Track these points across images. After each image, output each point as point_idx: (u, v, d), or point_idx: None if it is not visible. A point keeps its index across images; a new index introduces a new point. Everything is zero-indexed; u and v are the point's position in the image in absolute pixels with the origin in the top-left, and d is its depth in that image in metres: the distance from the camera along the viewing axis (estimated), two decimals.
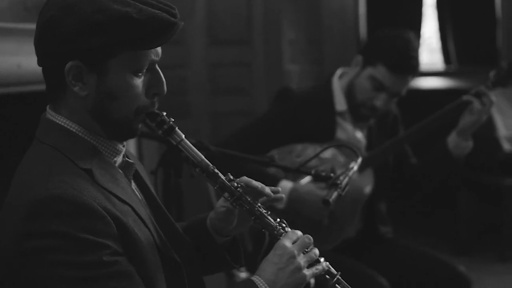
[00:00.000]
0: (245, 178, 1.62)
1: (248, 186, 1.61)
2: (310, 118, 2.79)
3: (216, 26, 5.39)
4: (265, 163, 2.12)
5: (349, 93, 2.79)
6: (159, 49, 1.55)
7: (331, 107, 2.81)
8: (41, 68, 1.55)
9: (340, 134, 2.82)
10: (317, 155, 2.04)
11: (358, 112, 2.79)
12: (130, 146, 3.51)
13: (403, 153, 2.92)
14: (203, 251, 1.73)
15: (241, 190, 1.60)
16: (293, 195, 2.59)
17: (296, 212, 2.58)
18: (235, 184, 1.60)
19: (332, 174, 1.95)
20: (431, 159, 2.82)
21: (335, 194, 1.88)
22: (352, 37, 5.76)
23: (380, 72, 2.70)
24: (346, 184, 1.91)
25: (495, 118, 4.55)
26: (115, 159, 1.59)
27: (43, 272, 1.36)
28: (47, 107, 1.58)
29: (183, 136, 1.59)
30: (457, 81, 5.24)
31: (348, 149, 2.33)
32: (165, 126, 1.57)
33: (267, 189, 1.62)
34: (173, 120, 1.58)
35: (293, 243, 1.57)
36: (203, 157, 1.60)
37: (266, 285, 1.53)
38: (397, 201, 3.08)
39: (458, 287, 2.69)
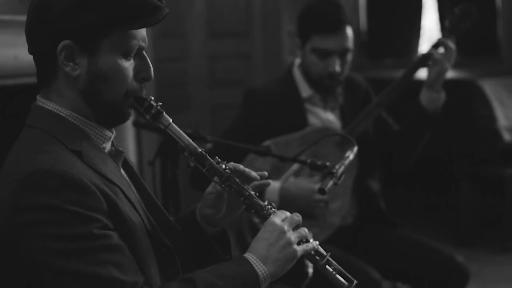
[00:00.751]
0: (232, 162, 1.63)
1: (235, 171, 1.63)
2: (280, 111, 2.81)
3: (215, 18, 5.39)
4: (261, 152, 2.11)
5: (307, 75, 2.83)
6: (146, 36, 1.58)
7: (297, 95, 2.85)
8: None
9: (312, 121, 2.83)
10: (311, 145, 2.03)
11: (323, 87, 2.82)
12: (129, 138, 3.51)
13: (383, 123, 2.92)
14: (193, 243, 1.73)
15: (229, 172, 1.61)
16: (283, 193, 2.60)
17: (296, 208, 2.54)
18: (223, 166, 1.61)
19: (328, 163, 1.94)
20: (410, 120, 2.83)
21: (330, 183, 1.86)
22: (353, 28, 5.74)
23: (316, 41, 2.75)
24: (342, 173, 1.90)
25: (495, 109, 4.53)
26: (104, 145, 1.60)
27: (33, 245, 1.37)
28: (37, 96, 1.59)
29: (171, 120, 1.61)
30: (458, 72, 5.21)
31: (344, 138, 2.33)
32: (153, 111, 1.58)
33: (254, 173, 1.64)
34: (160, 104, 1.59)
35: (282, 221, 1.58)
36: (190, 140, 1.62)
37: (258, 260, 1.54)
38: (399, 193, 3.07)
39: (456, 277, 2.67)
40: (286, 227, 1.57)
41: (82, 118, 1.56)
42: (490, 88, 4.60)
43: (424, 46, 6.43)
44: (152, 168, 2.41)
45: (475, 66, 5.76)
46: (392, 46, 6.37)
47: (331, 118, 2.88)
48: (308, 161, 1.99)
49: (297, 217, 1.61)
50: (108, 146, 1.62)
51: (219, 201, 1.69)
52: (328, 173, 1.88)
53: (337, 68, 2.75)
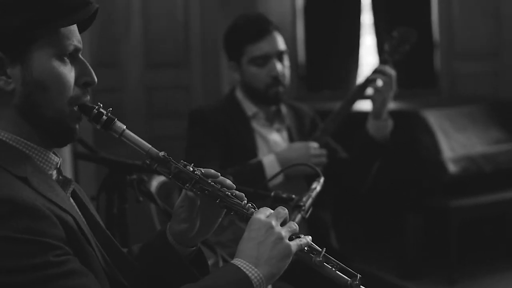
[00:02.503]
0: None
1: (207, 175, 1.47)
2: (228, 129, 2.75)
3: (153, 49, 5.27)
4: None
5: (251, 92, 2.79)
6: (79, 36, 1.43)
7: (243, 113, 2.80)
8: None
9: (259, 142, 2.77)
10: (277, 175, 1.91)
11: (270, 98, 2.77)
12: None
13: (331, 150, 2.86)
14: (166, 268, 1.54)
15: (199, 174, 1.45)
16: (282, 160, 2.57)
17: (294, 174, 2.57)
18: (191, 169, 1.45)
19: (293, 196, 1.81)
20: (358, 149, 2.80)
21: (298, 217, 1.73)
22: (292, 61, 5.70)
23: (251, 51, 2.74)
24: (310, 206, 1.77)
25: (439, 140, 4.51)
26: (50, 172, 1.42)
27: None
28: None
29: (124, 126, 1.43)
30: (399, 103, 5.20)
31: (310, 169, 2.25)
32: (103, 119, 1.41)
33: (229, 181, 1.49)
34: (111, 109, 1.43)
35: (267, 217, 1.42)
36: (150, 146, 1.45)
37: (249, 264, 1.36)
38: (344, 226, 2.97)
39: None
40: (273, 222, 1.40)
41: (25, 140, 1.37)
42: (433, 119, 4.58)
43: (361, 78, 6.44)
44: (97, 203, 2.21)
45: (414, 97, 5.79)
46: (330, 78, 6.36)
47: (277, 139, 2.82)
48: (272, 194, 1.85)
49: (283, 210, 1.44)
50: (54, 174, 1.44)
51: (191, 213, 1.51)
52: (295, 207, 1.75)
53: (279, 68, 2.73)
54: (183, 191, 1.52)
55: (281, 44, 2.76)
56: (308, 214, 1.75)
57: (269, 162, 2.59)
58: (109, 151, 2.33)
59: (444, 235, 4.65)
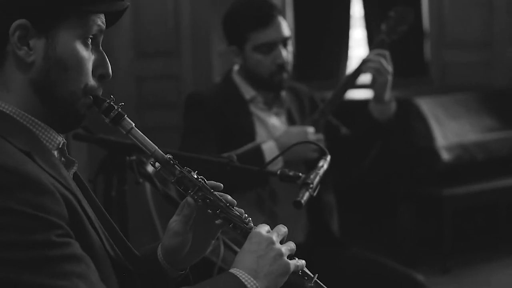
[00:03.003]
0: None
1: (209, 184, 1.45)
2: (226, 114, 2.70)
3: (143, 38, 5.20)
4: (223, 164, 1.91)
5: (254, 78, 2.73)
6: (103, 25, 1.38)
7: (241, 97, 2.74)
8: None
9: (258, 126, 2.72)
10: (281, 155, 1.86)
11: (274, 84, 2.71)
12: None
13: (333, 128, 2.85)
14: (155, 286, 1.50)
15: (202, 181, 1.42)
16: (280, 145, 2.51)
17: (294, 159, 2.53)
18: (194, 176, 1.42)
19: (300, 174, 1.77)
20: (362, 130, 2.76)
21: (306, 195, 1.69)
22: None
23: (256, 38, 2.66)
24: (317, 184, 1.73)
25: (433, 128, 4.49)
26: (53, 151, 1.37)
27: None
28: None
29: (133, 124, 1.41)
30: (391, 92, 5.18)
31: (315, 146, 2.22)
32: (113, 113, 1.38)
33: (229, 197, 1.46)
34: (122, 105, 1.39)
35: (268, 232, 1.40)
36: (156, 147, 1.42)
37: (247, 275, 1.33)
38: (339, 213, 2.92)
39: None
40: (274, 238, 1.38)
41: (30, 116, 1.32)
42: (427, 106, 4.57)
43: (350, 69, 6.42)
44: (93, 186, 2.15)
45: (405, 86, 5.77)
46: (320, 69, 6.33)
47: (276, 123, 2.77)
48: (278, 172, 1.81)
49: (284, 228, 1.43)
50: (56, 154, 1.38)
51: (186, 225, 1.46)
52: (303, 184, 1.71)
53: (285, 55, 2.67)
54: (180, 204, 1.48)
55: (286, 30, 2.70)
56: (315, 192, 1.72)
57: (268, 148, 2.55)
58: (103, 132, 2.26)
59: (437, 223, 4.65)
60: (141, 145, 1.41)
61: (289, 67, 2.72)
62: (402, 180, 4.65)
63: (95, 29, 1.35)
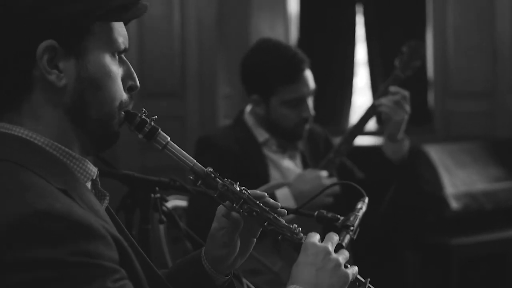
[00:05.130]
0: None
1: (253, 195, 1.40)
2: (240, 156, 2.62)
3: (148, 78, 5.17)
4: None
5: (275, 129, 2.66)
6: (127, 36, 1.32)
7: (254, 139, 2.68)
8: None
9: (271, 169, 2.66)
10: (319, 194, 1.81)
11: (295, 134, 2.67)
12: None
13: (347, 170, 2.79)
14: None
15: (246, 193, 1.36)
16: (296, 193, 2.46)
17: (309, 207, 2.40)
18: (237, 188, 1.36)
19: (338, 216, 1.71)
20: (376, 172, 2.71)
21: (347, 238, 1.63)
22: None
23: (285, 92, 2.59)
24: (357, 227, 1.67)
25: (441, 176, 4.46)
26: (86, 183, 1.28)
27: None
28: None
29: (168, 138, 1.34)
30: None
31: (354, 188, 2.18)
32: (146, 128, 1.32)
33: (273, 200, 1.41)
34: (155, 118, 1.33)
35: (321, 242, 1.35)
36: (195, 161, 1.34)
37: None
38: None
39: None
40: (330, 248, 1.33)
41: (63, 147, 1.22)
42: (435, 154, 4.54)
43: (355, 116, 6.41)
44: None
45: (410, 134, 5.73)
46: (323, 115, 6.30)
47: (290, 166, 2.71)
48: (316, 213, 1.75)
49: (335, 235, 1.38)
50: (89, 186, 1.30)
51: (233, 236, 1.40)
52: (343, 227, 1.65)
53: (311, 108, 2.62)
54: (217, 211, 1.43)
55: (312, 82, 2.63)
56: (356, 235, 1.66)
57: (283, 195, 2.48)
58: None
59: (444, 273, 4.57)
60: (178, 160, 1.34)
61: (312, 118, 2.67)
62: (410, 228, 4.58)
63: (122, 47, 1.28)
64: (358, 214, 1.69)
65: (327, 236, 1.37)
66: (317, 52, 6.18)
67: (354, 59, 6.35)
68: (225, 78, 5.31)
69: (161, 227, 2.61)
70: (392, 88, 2.59)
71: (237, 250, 1.43)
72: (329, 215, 1.72)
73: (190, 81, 5.25)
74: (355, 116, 6.42)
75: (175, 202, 2.65)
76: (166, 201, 2.07)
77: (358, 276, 1.38)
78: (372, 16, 6.23)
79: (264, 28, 5.69)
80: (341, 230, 1.63)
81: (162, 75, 5.18)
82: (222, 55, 5.32)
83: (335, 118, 6.30)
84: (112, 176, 2.11)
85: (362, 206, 1.73)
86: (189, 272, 1.45)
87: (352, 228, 1.63)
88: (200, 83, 5.26)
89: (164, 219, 2.01)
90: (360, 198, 1.77)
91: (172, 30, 5.24)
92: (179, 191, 1.98)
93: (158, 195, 2.02)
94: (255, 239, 1.47)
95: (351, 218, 1.66)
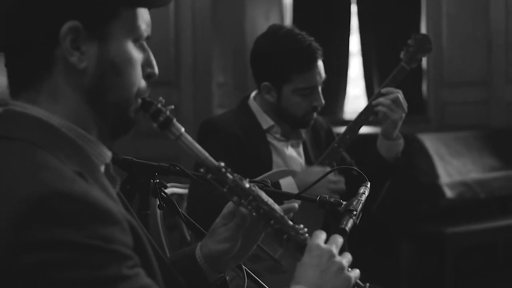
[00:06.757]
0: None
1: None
2: (244, 141, 2.61)
3: None
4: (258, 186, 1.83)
5: (285, 116, 2.64)
6: (150, 24, 1.29)
7: (258, 126, 2.66)
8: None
9: (274, 156, 2.64)
10: (320, 180, 1.79)
11: (304, 122, 2.64)
12: None
13: (345, 164, 2.77)
14: None
15: (255, 190, 1.35)
16: (300, 183, 2.45)
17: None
18: (247, 184, 1.35)
19: (341, 200, 1.70)
20: (369, 167, 2.62)
21: (350, 222, 1.62)
22: None
23: (299, 80, 2.56)
24: (360, 211, 1.66)
25: (436, 166, 4.46)
26: (100, 167, 1.26)
27: None
28: (10, 100, 1.22)
29: (183, 129, 1.31)
30: None
31: (335, 188, 2.34)
32: (161, 118, 1.28)
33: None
34: (172, 108, 1.31)
35: (325, 243, 1.34)
36: (207, 154, 1.33)
37: None
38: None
39: None
40: (334, 250, 1.32)
41: (80, 130, 1.20)
42: (430, 143, 4.54)
43: (349, 105, 6.41)
44: None
45: (404, 123, 5.73)
46: None
47: (293, 154, 2.70)
48: (318, 198, 1.74)
49: (340, 238, 1.37)
50: (102, 169, 1.28)
51: (237, 232, 1.41)
52: (345, 211, 1.64)
53: (321, 99, 2.60)
54: (225, 208, 1.44)
55: (323, 71, 2.62)
56: (358, 220, 1.65)
57: (288, 185, 2.47)
58: None
59: (439, 262, 4.58)
60: (191, 152, 1.32)
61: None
62: (404, 218, 4.59)
63: (144, 28, 1.25)
64: (361, 199, 1.67)
65: (331, 238, 1.36)
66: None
67: (349, 49, 6.34)
68: (220, 66, 5.29)
69: (158, 213, 2.59)
70: (384, 90, 2.60)
71: (236, 248, 1.43)
72: (332, 199, 1.71)
73: (185, 70, 5.23)
74: (349, 106, 6.43)
75: (173, 189, 2.63)
76: (166, 187, 2.05)
77: (358, 281, 1.38)
78: (366, 6, 6.23)
79: (259, 17, 5.67)
80: (344, 214, 1.62)
81: (157, 63, 5.15)
82: (216, 43, 5.30)
83: (329, 108, 6.28)
84: (113, 162, 2.09)
85: (365, 191, 1.72)
86: (183, 266, 1.45)
87: (355, 212, 1.62)
88: (194, 72, 5.24)
89: (164, 205, 1.99)
90: (362, 183, 1.75)
91: (167, 19, 5.22)
92: (179, 176, 1.96)
93: (158, 180, 1.99)
94: (255, 246, 1.47)
95: (354, 203, 1.65)
